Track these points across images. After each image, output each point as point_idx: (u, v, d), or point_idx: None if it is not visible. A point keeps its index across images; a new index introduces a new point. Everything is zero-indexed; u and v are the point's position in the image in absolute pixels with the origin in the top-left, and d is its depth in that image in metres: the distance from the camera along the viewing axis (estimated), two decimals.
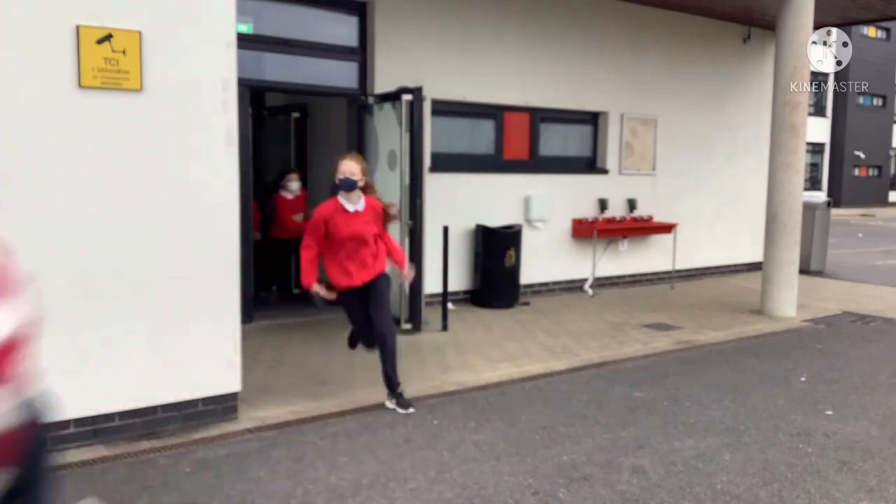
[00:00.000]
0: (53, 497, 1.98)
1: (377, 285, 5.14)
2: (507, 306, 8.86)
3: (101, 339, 4.33)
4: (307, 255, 5.06)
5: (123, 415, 4.49)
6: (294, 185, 8.72)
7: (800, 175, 8.57)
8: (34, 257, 4.12)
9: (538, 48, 9.46)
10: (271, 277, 9.13)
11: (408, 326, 7.38)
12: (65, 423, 4.30)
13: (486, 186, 9.15)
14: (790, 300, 8.63)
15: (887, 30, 39.49)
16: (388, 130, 7.66)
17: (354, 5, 8.10)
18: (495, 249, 8.81)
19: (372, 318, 5.13)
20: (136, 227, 4.40)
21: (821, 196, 15.13)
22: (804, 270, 10.70)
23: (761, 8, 10.36)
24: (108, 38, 4.21)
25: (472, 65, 8.89)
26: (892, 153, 42.78)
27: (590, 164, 10.43)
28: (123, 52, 4.26)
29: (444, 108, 8.78)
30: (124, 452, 4.30)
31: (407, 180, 7.34)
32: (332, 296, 5.11)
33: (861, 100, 39.97)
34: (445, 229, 7.53)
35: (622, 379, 5.97)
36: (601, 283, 10.35)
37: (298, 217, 8.64)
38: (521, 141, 9.72)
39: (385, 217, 5.20)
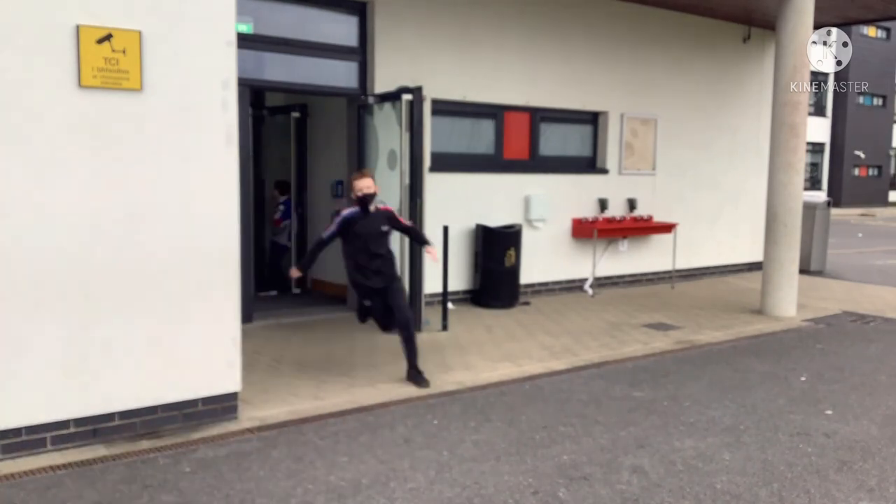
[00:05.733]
0: None
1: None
2: (507, 306, 8.86)
3: (101, 339, 4.33)
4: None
5: (123, 415, 4.49)
6: None
7: (800, 175, 8.57)
8: (34, 257, 4.14)
9: (538, 48, 9.46)
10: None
11: None
12: (65, 423, 4.30)
13: (486, 186, 9.15)
14: (790, 300, 8.64)
15: (887, 30, 39.49)
16: (388, 130, 7.66)
17: (354, 5, 8.10)
18: (495, 249, 8.81)
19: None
20: (136, 227, 4.40)
21: (821, 196, 15.14)
22: (804, 270, 10.70)
23: (761, 8, 10.36)
24: (108, 37, 4.21)
25: (472, 65, 8.89)
26: (892, 153, 42.80)
27: (590, 164, 10.43)
28: (123, 51, 4.26)
29: (444, 108, 8.78)
30: (124, 452, 4.30)
31: (407, 180, 7.34)
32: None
33: (861, 100, 39.98)
34: (445, 229, 7.53)
35: (622, 379, 5.97)
36: (601, 282, 10.35)
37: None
38: (521, 141, 9.72)
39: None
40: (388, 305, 5.83)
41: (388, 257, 5.92)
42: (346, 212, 5.81)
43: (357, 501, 3.73)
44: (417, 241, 6.37)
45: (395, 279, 5.99)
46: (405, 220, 6.22)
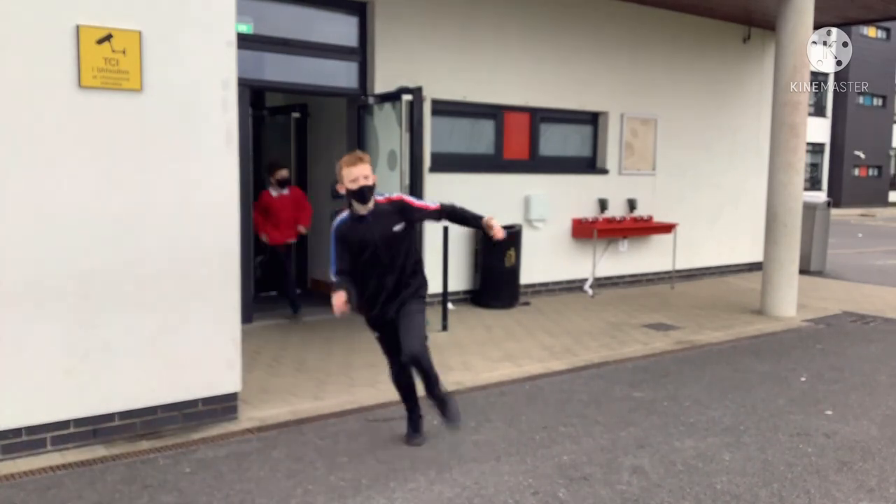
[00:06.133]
0: None
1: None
2: (507, 306, 8.86)
3: (101, 339, 4.33)
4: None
5: (123, 415, 4.49)
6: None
7: (800, 175, 8.57)
8: (34, 257, 4.14)
9: (538, 48, 9.46)
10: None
11: None
12: (65, 423, 4.30)
13: (486, 186, 9.15)
14: (790, 300, 8.63)
15: (887, 30, 39.51)
16: (388, 130, 7.66)
17: (354, 5, 8.10)
18: (495, 249, 8.81)
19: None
20: (136, 227, 4.40)
21: (821, 196, 15.14)
22: (804, 270, 10.70)
23: (761, 8, 10.36)
24: (108, 38, 4.21)
25: (472, 65, 8.89)
26: (892, 153, 42.80)
27: (590, 164, 10.43)
28: (123, 52, 4.26)
29: (444, 108, 8.78)
30: (124, 452, 4.30)
31: (407, 180, 7.34)
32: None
33: (861, 100, 39.99)
34: (445, 229, 7.53)
35: (622, 379, 5.97)
36: (601, 283, 10.35)
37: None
38: (521, 141, 9.72)
39: None
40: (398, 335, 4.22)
41: (411, 271, 4.28)
42: (335, 221, 4.25)
43: (357, 502, 3.73)
44: (465, 222, 4.57)
45: (416, 297, 4.32)
46: (426, 203, 4.39)
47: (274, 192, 7.93)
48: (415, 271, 4.36)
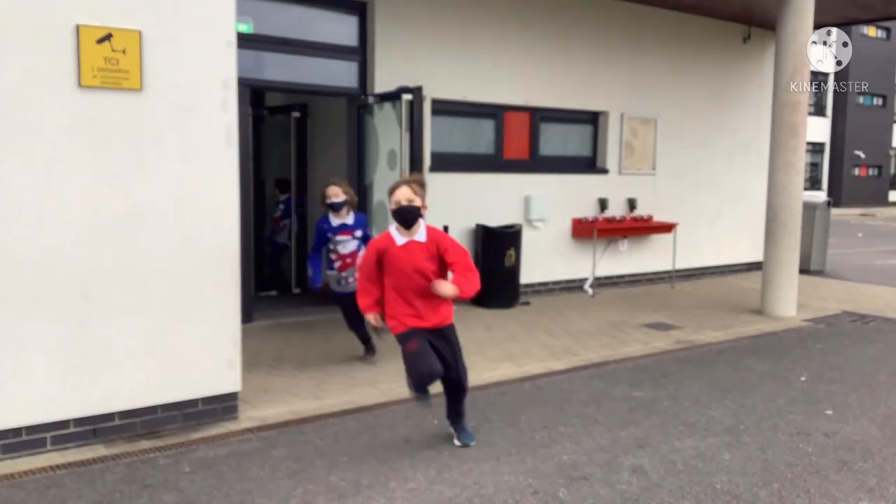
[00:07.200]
0: None
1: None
2: (507, 306, 8.86)
3: (101, 339, 4.33)
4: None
5: (123, 414, 4.49)
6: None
7: (800, 175, 8.57)
8: (34, 257, 4.14)
9: (538, 48, 9.46)
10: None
11: None
12: (65, 423, 4.30)
13: (486, 186, 9.15)
14: (790, 300, 8.64)
15: (887, 30, 39.52)
16: (388, 130, 7.66)
17: (354, 5, 8.10)
18: (495, 249, 8.81)
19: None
20: (136, 227, 4.40)
21: (821, 196, 15.14)
22: (804, 270, 10.70)
23: (761, 8, 10.36)
24: (108, 37, 4.21)
25: (472, 65, 8.89)
26: (892, 153, 42.81)
27: (590, 164, 10.43)
28: (123, 51, 4.26)
29: (444, 108, 8.78)
30: (124, 452, 4.30)
31: None
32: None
33: (861, 100, 40.00)
34: (445, 229, 7.50)
35: (622, 379, 5.97)
36: (601, 282, 10.35)
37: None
38: (521, 141, 9.72)
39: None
40: None
41: None
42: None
43: (357, 501, 3.73)
44: None
45: None
46: None
47: (400, 238, 4.38)
48: None
